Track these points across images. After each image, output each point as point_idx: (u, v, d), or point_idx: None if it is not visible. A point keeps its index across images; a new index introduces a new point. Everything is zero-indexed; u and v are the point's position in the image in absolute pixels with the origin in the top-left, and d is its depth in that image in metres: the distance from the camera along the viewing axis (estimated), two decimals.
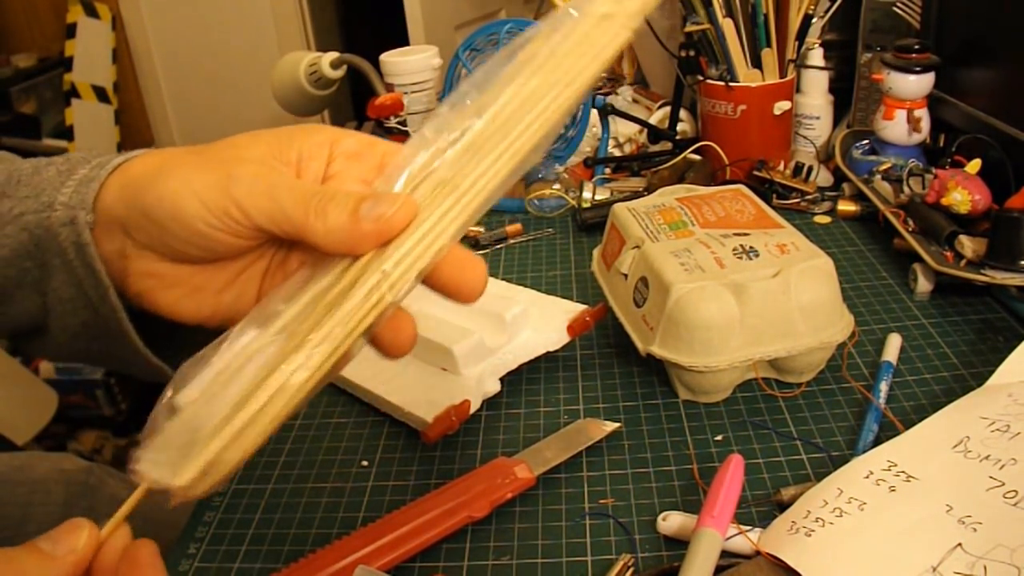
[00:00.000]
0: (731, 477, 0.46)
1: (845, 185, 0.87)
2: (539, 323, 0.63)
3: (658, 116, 1.04)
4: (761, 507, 0.49)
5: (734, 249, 0.59)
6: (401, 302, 0.33)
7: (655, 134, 0.98)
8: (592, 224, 0.86)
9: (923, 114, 0.81)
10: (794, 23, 0.87)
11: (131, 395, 1.94)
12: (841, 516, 0.44)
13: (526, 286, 0.70)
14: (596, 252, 0.70)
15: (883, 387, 0.57)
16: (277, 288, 0.35)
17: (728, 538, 0.45)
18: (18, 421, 1.70)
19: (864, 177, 0.82)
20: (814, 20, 0.88)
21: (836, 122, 0.95)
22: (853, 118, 0.95)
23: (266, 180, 0.34)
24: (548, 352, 0.62)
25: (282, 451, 0.58)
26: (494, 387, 0.59)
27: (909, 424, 0.51)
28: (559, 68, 0.35)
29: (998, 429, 0.47)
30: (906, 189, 0.76)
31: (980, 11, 0.78)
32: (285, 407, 0.31)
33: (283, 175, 0.35)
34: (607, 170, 0.98)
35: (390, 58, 1.05)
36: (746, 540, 0.45)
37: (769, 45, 0.87)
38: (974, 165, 0.71)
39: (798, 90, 0.93)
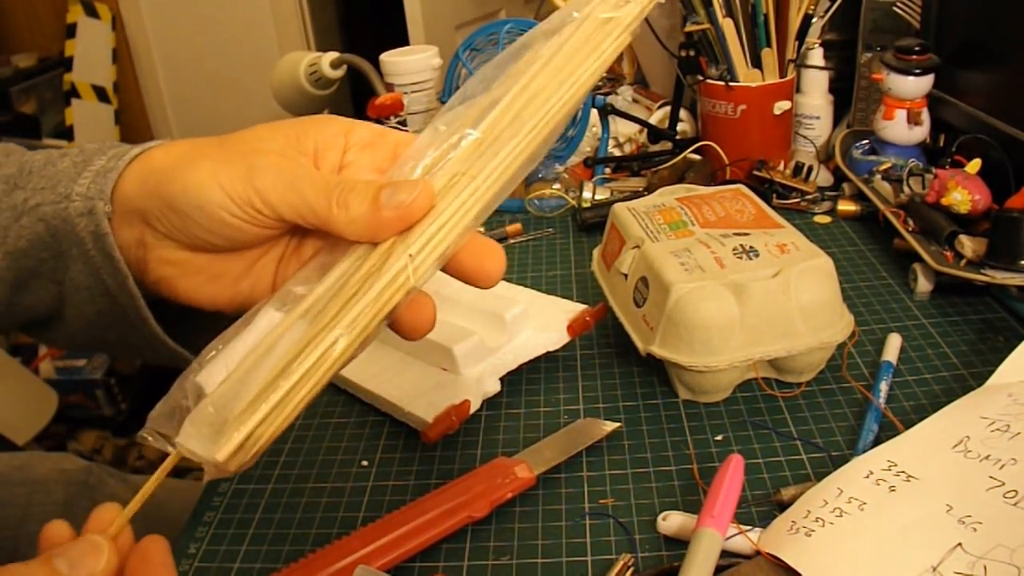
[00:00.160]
0: (731, 477, 0.46)
1: (845, 185, 0.87)
2: (539, 323, 0.63)
3: (658, 116, 1.04)
4: (761, 507, 0.49)
5: (734, 249, 0.59)
6: (423, 286, 0.34)
7: (655, 134, 0.98)
8: (592, 224, 0.86)
9: (923, 114, 0.81)
10: (794, 23, 0.87)
11: (131, 395, 1.95)
12: (841, 516, 0.44)
13: (526, 286, 0.70)
14: (596, 252, 0.70)
15: (883, 387, 0.57)
16: (296, 274, 0.36)
17: (728, 538, 0.44)
18: (18, 421, 1.71)
19: (864, 177, 0.82)
20: (814, 20, 0.88)
21: (836, 122, 0.95)
22: (853, 118, 0.95)
23: (289, 172, 0.35)
24: (548, 352, 0.62)
25: (282, 451, 0.58)
26: (494, 387, 0.59)
27: (909, 424, 0.51)
28: (565, 67, 0.36)
29: (998, 429, 0.47)
30: (906, 189, 0.76)
31: (980, 11, 0.78)
32: (317, 384, 0.32)
33: (304, 167, 0.36)
34: (607, 170, 0.98)
35: (390, 58, 1.05)
36: (746, 540, 0.45)
37: (769, 45, 0.87)
38: (974, 165, 0.71)
39: (798, 90, 0.93)
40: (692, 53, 0.92)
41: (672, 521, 0.47)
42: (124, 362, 1.96)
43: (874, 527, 0.43)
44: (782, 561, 0.42)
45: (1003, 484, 0.43)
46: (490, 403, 0.60)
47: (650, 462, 0.54)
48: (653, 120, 1.02)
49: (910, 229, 0.71)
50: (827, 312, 0.57)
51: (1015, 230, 0.62)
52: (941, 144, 0.83)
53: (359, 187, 0.34)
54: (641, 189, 0.93)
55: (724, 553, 0.43)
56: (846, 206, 0.84)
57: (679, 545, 0.47)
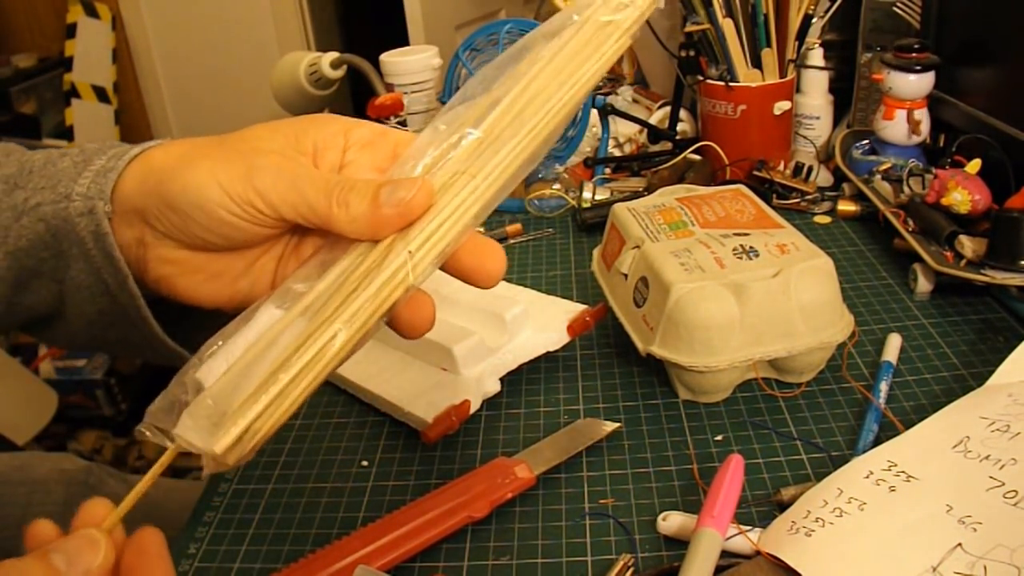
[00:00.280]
0: (731, 477, 0.46)
1: (845, 185, 0.87)
2: (539, 323, 0.63)
3: (658, 116, 1.04)
4: (761, 507, 0.49)
5: (734, 249, 0.59)
6: (421, 284, 0.34)
7: (655, 134, 0.98)
8: (592, 224, 0.86)
9: (923, 114, 0.81)
10: (794, 23, 0.87)
11: (131, 395, 1.95)
12: (841, 516, 0.44)
13: (526, 286, 0.70)
14: (596, 252, 0.70)
15: (883, 387, 0.57)
16: (296, 272, 0.36)
17: (728, 538, 0.44)
18: (18, 421, 1.71)
19: (864, 177, 0.82)
20: (814, 20, 0.88)
21: (836, 122, 0.95)
22: (853, 118, 0.95)
23: (289, 171, 0.35)
24: (548, 352, 0.62)
25: (282, 451, 0.58)
26: (494, 387, 0.59)
27: (909, 424, 0.51)
28: (565, 68, 0.36)
29: (998, 429, 0.47)
30: (906, 189, 0.76)
31: (980, 11, 0.78)
32: (316, 379, 0.32)
33: (304, 166, 0.36)
34: (607, 170, 0.98)
35: (390, 58, 1.05)
36: (746, 540, 0.45)
37: (769, 45, 0.87)
38: (974, 165, 0.71)
39: (798, 90, 0.93)
40: (692, 53, 0.92)
41: (672, 521, 0.47)
42: (124, 362, 1.96)
43: (874, 527, 0.43)
44: (782, 561, 0.42)
45: (1003, 484, 0.43)
46: (490, 403, 0.60)
47: (650, 462, 0.54)
48: (653, 120, 1.02)
49: (910, 229, 0.71)
50: (827, 312, 0.57)
51: (1015, 230, 0.62)
52: (941, 144, 0.83)
53: (359, 185, 0.34)
54: (641, 189, 0.93)
55: (724, 553, 0.43)
56: (846, 206, 0.84)
57: (679, 545, 0.47)
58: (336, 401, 0.63)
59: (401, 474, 0.55)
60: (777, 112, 0.89)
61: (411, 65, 1.04)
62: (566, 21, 0.38)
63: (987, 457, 0.45)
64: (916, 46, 0.79)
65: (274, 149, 0.36)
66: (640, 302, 0.60)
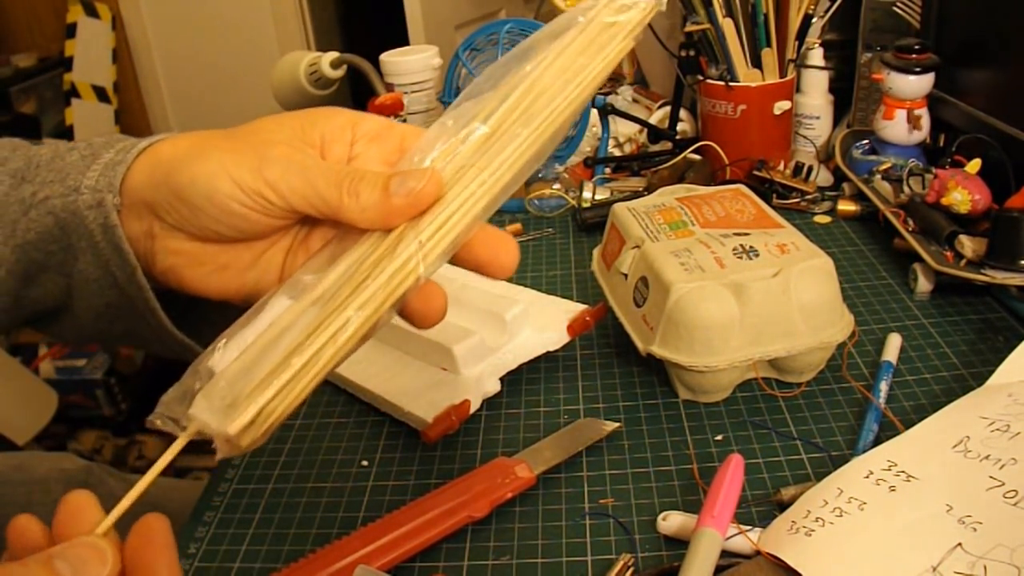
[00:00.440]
0: (731, 477, 0.46)
1: (845, 185, 0.87)
2: (539, 323, 0.63)
3: (658, 116, 1.04)
4: (761, 507, 0.49)
5: (734, 249, 0.59)
6: (432, 275, 0.35)
7: (655, 134, 0.98)
8: (592, 224, 0.86)
9: (923, 112, 0.81)
10: (794, 23, 0.87)
11: (131, 395, 1.95)
12: (841, 516, 0.44)
13: (526, 286, 0.70)
14: (596, 252, 0.70)
15: (883, 387, 0.57)
16: (305, 263, 0.37)
17: (728, 538, 0.45)
18: (18, 421, 1.71)
19: (864, 177, 0.82)
20: (814, 20, 0.88)
21: (836, 122, 0.95)
22: (853, 118, 0.95)
23: (299, 162, 0.35)
24: (548, 352, 0.62)
25: (282, 451, 0.58)
26: (494, 387, 0.59)
27: (909, 424, 0.51)
28: (570, 67, 0.37)
29: (998, 429, 0.47)
30: (906, 189, 0.76)
31: (980, 11, 0.78)
32: (328, 363, 0.33)
33: (313, 158, 0.37)
34: (607, 170, 0.97)
35: (390, 58, 1.05)
36: (746, 540, 0.45)
37: (769, 45, 0.87)
38: (974, 165, 0.71)
39: (798, 90, 0.93)
40: (692, 53, 0.92)
41: (672, 521, 0.47)
42: (124, 362, 1.96)
43: (874, 527, 0.43)
44: (782, 561, 0.42)
45: (1003, 484, 0.43)
46: (490, 403, 0.60)
47: (650, 462, 0.54)
48: (653, 120, 1.02)
49: (910, 229, 0.71)
50: (827, 312, 0.57)
51: (1015, 230, 0.62)
52: (941, 144, 0.83)
53: (369, 176, 0.35)
54: (641, 189, 0.93)
55: (724, 553, 0.43)
56: (846, 206, 0.84)
57: (679, 545, 0.47)
58: (336, 401, 0.63)
59: (401, 474, 0.55)
60: (777, 112, 0.89)
61: (411, 65, 1.04)
62: (571, 21, 0.38)
63: (987, 457, 0.45)
64: (916, 47, 0.79)
65: (282, 141, 0.37)
66: (640, 302, 0.60)
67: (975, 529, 0.41)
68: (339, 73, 1.19)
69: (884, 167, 0.80)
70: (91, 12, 2.48)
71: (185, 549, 0.50)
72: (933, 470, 0.46)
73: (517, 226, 0.88)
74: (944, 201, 0.69)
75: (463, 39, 0.99)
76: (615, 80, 1.22)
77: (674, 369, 0.58)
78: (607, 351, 0.66)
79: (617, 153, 1.03)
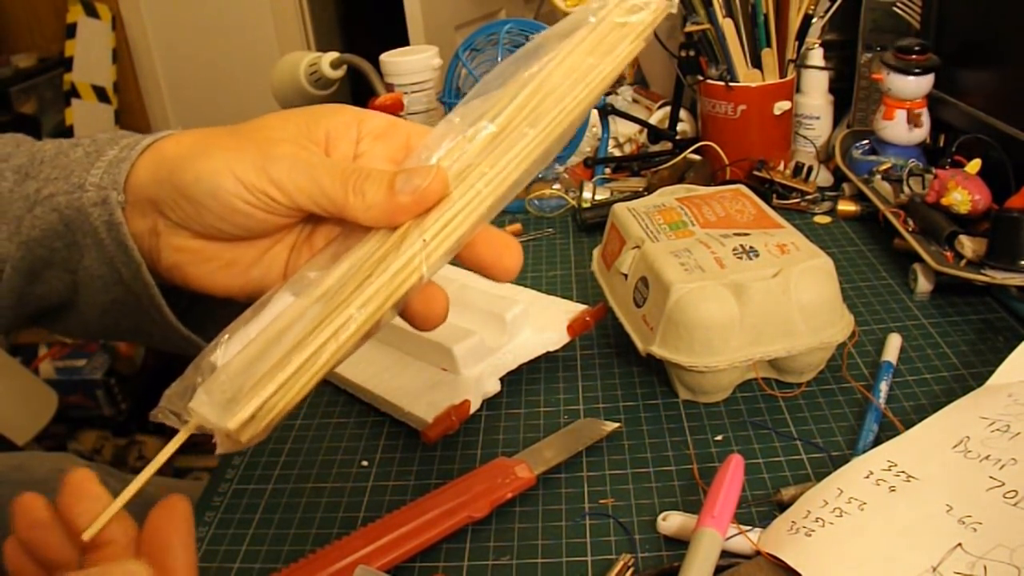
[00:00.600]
0: (731, 477, 0.46)
1: (845, 185, 0.87)
2: (539, 323, 0.63)
3: (658, 116, 1.04)
4: (761, 507, 0.49)
5: (734, 249, 0.59)
6: (433, 275, 0.35)
7: (655, 134, 0.98)
8: (592, 224, 0.86)
9: (923, 112, 0.81)
10: (794, 23, 0.87)
11: (131, 395, 1.95)
12: (841, 516, 0.44)
13: (526, 286, 0.70)
14: (596, 252, 0.70)
15: (883, 387, 0.57)
16: (309, 261, 0.37)
17: (728, 538, 0.45)
18: (18, 421, 1.71)
19: (864, 177, 0.82)
20: (814, 20, 0.88)
21: (836, 122, 0.95)
22: (853, 118, 0.95)
23: (304, 160, 0.35)
24: (548, 352, 0.62)
25: (282, 451, 0.58)
26: (494, 387, 0.59)
27: (909, 424, 0.51)
28: (579, 67, 0.37)
29: (998, 429, 0.47)
30: (906, 189, 0.76)
31: (980, 11, 0.78)
32: (330, 360, 0.33)
33: (318, 155, 0.36)
34: (607, 170, 0.97)
35: (390, 58, 1.05)
36: (746, 540, 0.45)
37: (769, 45, 0.87)
38: (974, 165, 0.71)
39: (798, 90, 0.93)
40: (692, 53, 0.92)
41: (672, 521, 0.47)
42: (124, 362, 1.96)
43: (874, 527, 0.43)
44: (782, 561, 0.42)
45: (1003, 484, 0.43)
46: (490, 403, 0.60)
47: (650, 462, 0.54)
48: (653, 120, 1.02)
49: (910, 229, 0.71)
50: (827, 312, 0.57)
51: (1015, 230, 0.62)
52: (941, 144, 0.83)
53: (374, 174, 0.34)
54: (641, 189, 0.93)
55: (724, 553, 0.43)
56: (846, 206, 0.84)
57: (679, 545, 0.47)
58: (336, 401, 0.63)
59: (401, 474, 0.55)
60: (777, 112, 0.89)
61: (411, 65, 1.04)
62: (581, 21, 0.38)
63: (987, 457, 0.45)
64: (916, 47, 0.79)
65: (286, 138, 0.37)
66: (640, 302, 0.60)
67: (975, 529, 0.41)
68: (339, 73, 1.19)
69: (884, 167, 0.80)
70: (91, 12, 2.48)
71: None
72: (933, 470, 0.46)
73: (517, 226, 0.88)
74: (944, 201, 0.69)
75: (463, 39, 0.99)
76: (616, 81, 1.22)
77: (674, 369, 0.58)
78: (607, 351, 0.66)
79: (617, 153, 1.03)
